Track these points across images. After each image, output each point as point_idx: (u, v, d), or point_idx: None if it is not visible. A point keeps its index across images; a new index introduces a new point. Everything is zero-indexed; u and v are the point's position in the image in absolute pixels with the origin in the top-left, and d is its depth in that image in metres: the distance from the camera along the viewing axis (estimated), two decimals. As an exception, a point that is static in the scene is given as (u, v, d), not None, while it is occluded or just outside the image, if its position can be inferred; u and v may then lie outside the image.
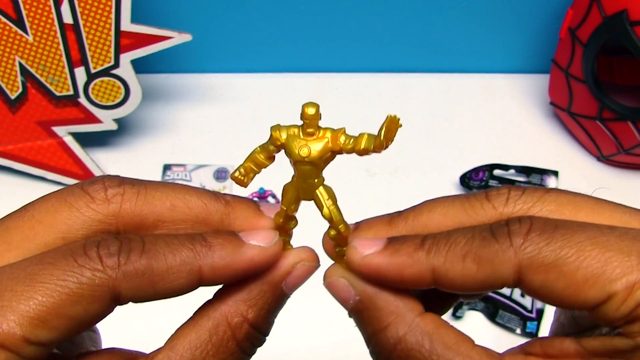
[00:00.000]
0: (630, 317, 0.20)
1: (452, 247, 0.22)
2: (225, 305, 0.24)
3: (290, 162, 0.25)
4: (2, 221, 0.24)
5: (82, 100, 0.69)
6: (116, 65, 0.67)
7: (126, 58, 0.67)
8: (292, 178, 0.25)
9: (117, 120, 0.71)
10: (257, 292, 0.24)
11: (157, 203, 0.24)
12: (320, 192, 0.25)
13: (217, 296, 0.24)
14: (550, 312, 0.60)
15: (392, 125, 0.23)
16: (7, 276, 0.21)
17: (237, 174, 0.25)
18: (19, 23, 0.63)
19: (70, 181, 0.72)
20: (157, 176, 0.75)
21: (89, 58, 0.66)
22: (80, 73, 0.67)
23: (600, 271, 0.21)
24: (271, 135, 0.24)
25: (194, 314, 0.24)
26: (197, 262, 0.23)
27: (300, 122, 0.24)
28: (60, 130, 0.71)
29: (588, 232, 0.21)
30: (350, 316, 0.25)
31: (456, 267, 0.22)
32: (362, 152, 0.24)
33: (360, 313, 0.24)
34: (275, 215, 0.25)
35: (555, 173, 0.73)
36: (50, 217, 0.23)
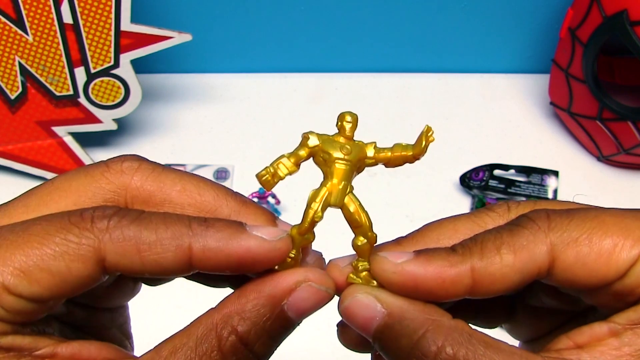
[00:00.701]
0: None
1: (483, 244, 0.23)
2: (218, 314, 0.22)
3: (324, 166, 0.25)
4: (30, 189, 0.24)
5: (82, 100, 0.69)
6: (116, 65, 0.67)
7: (126, 58, 0.67)
8: (322, 185, 0.25)
9: (117, 120, 0.71)
10: (252, 305, 0.22)
11: (169, 182, 0.24)
12: (352, 197, 0.25)
13: (216, 306, 0.23)
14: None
15: (428, 136, 0.25)
16: (7, 228, 0.22)
17: (264, 172, 0.24)
18: (19, 23, 0.63)
19: (70, 181, 0.73)
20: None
21: (89, 58, 0.66)
22: (80, 73, 0.67)
23: (625, 234, 0.22)
24: (307, 138, 0.25)
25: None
26: (189, 239, 0.22)
27: (330, 133, 0.25)
28: (60, 130, 0.71)
29: (598, 209, 0.23)
30: (373, 344, 0.23)
31: (494, 260, 0.22)
32: (399, 159, 0.25)
33: (391, 329, 0.22)
34: (297, 225, 0.24)
35: (556, 173, 0.73)
36: (67, 183, 0.24)
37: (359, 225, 0.25)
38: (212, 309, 0.23)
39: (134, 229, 0.22)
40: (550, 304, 0.26)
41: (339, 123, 0.25)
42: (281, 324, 0.23)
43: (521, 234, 0.22)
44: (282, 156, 0.25)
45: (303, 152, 0.25)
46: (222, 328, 0.22)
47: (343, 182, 0.25)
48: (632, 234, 0.22)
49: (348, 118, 0.25)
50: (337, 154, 0.24)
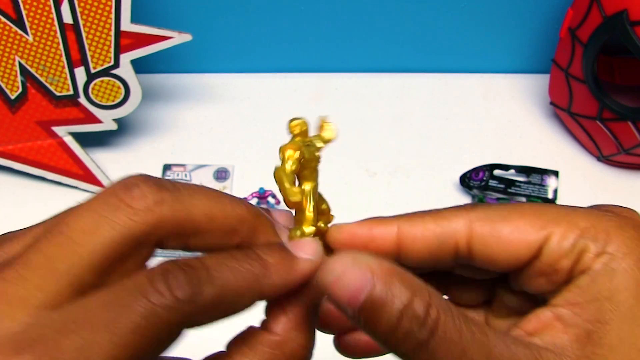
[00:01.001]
0: (576, 252, 0.23)
1: (414, 214, 0.26)
2: (277, 336, 0.24)
3: (304, 170, 0.26)
4: (38, 246, 0.21)
5: (82, 100, 0.69)
6: (116, 65, 0.67)
7: (126, 58, 0.67)
8: (310, 188, 0.27)
9: (117, 120, 0.71)
10: (303, 315, 0.25)
11: (196, 212, 0.23)
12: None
13: (267, 329, 0.25)
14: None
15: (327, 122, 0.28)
16: (87, 328, 0.20)
17: (299, 197, 0.25)
18: (19, 23, 0.63)
19: (70, 181, 0.72)
20: (157, 176, 0.75)
21: (89, 58, 0.66)
22: (80, 73, 0.67)
23: (538, 216, 0.24)
24: (295, 152, 0.26)
25: (241, 337, 0.24)
26: (260, 285, 0.23)
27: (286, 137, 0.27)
28: (60, 130, 0.71)
29: (518, 203, 0.26)
30: (358, 318, 0.23)
31: (417, 222, 0.26)
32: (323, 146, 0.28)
33: (380, 296, 0.22)
34: (298, 230, 0.26)
35: (555, 173, 0.73)
36: (90, 237, 0.21)
37: (325, 212, 0.28)
38: (264, 331, 0.24)
39: (214, 294, 0.21)
40: (514, 304, 0.28)
41: (297, 130, 0.27)
42: (318, 312, 0.26)
43: (447, 210, 0.26)
44: (285, 171, 0.25)
45: (296, 167, 0.26)
46: (286, 346, 0.24)
47: (317, 183, 0.27)
48: (544, 216, 0.24)
49: (302, 126, 0.27)
50: (316, 162, 0.27)
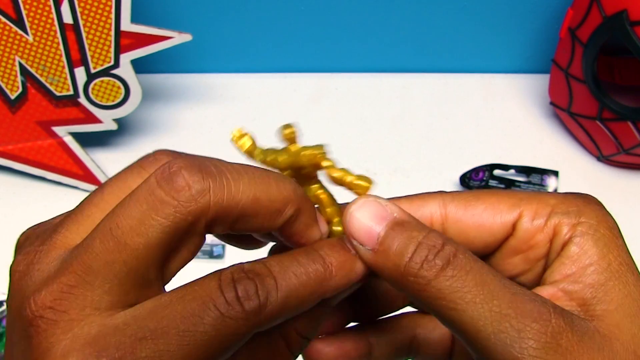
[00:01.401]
0: (551, 227, 0.24)
1: (388, 199, 0.26)
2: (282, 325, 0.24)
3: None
4: (93, 250, 0.21)
5: (82, 100, 0.69)
6: (116, 65, 0.67)
7: (126, 58, 0.67)
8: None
9: (117, 120, 0.71)
10: (317, 313, 0.25)
11: (242, 198, 0.22)
12: None
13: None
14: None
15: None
16: (160, 337, 0.20)
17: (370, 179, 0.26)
18: (19, 23, 0.63)
19: (70, 181, 0.72)
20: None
21: (89, 58, 0.66)
22: (80, 73, 0.67)
23: (509, 197, 0.25)
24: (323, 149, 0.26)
25: None
26: (323, 289, 0.23)
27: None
28: (60, 130, 0.71)
29: (490, 189, 0.27)
30: (376, 253, 0.23)
31: (404, 199, 0.27)
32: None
33: (400, 226, 0.23)
34: (338, 221, 0.26)
35: (555, 173, 0.73)
36: (141, 238, 0.21)
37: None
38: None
39: (281, 303, 0.22)
40: None
41: (293, 136, 0.27)
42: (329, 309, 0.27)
43: (420, 194, 0.27)
44: (343, 172, 0.26)
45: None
46: (288, 334, 0.25)
47: None
48: (516, 197, 0.25)
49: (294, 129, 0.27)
50: None
